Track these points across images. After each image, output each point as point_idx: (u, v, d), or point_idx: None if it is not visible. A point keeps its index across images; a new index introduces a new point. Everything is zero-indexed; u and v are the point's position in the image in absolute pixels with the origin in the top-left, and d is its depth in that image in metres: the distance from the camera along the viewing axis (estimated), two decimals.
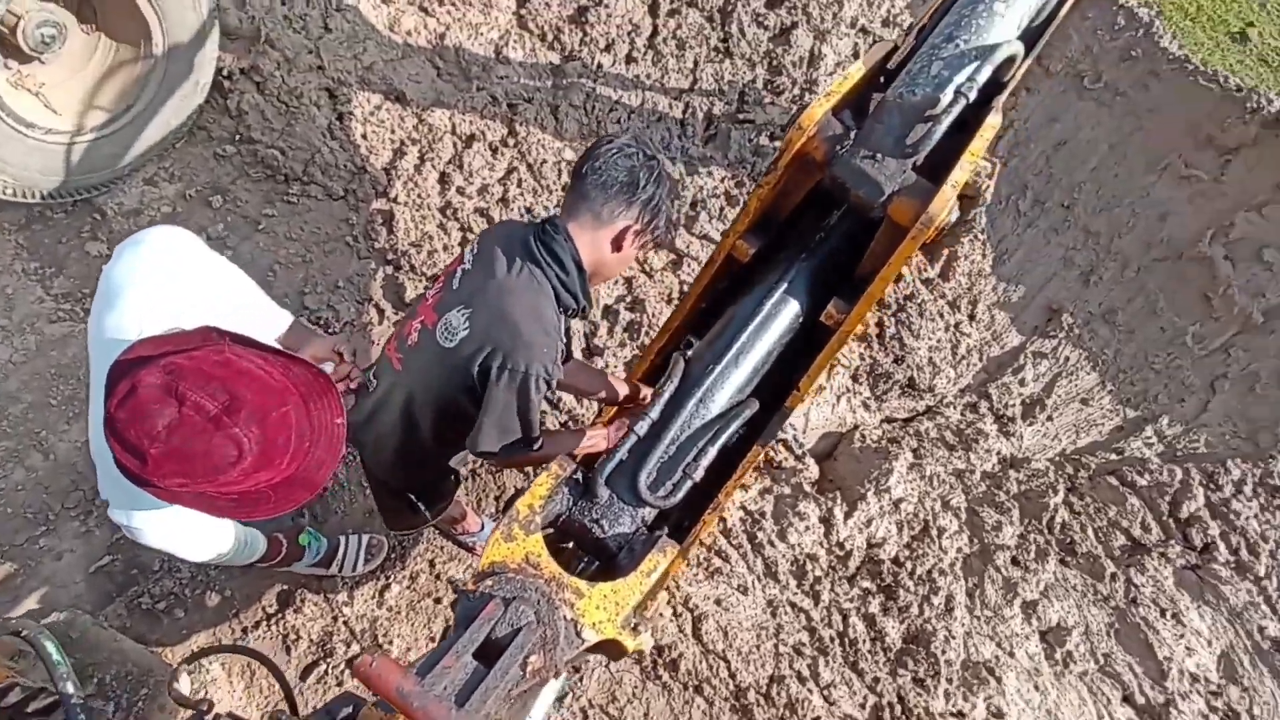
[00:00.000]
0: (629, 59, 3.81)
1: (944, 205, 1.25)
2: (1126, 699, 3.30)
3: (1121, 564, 3.69)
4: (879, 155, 1.29)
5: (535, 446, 1.54)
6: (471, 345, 1.46)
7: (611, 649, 1.22)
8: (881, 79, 1.47)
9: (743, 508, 2.99)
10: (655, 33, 3.94)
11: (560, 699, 1.91)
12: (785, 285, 1.48)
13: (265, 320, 1.49)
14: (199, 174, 2.64)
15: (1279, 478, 3.97)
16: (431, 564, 2.29)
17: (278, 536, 1.76)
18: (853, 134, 1.32)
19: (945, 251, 4.30)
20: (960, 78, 1.29)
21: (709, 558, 2.57)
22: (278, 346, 1.13)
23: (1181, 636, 3.46)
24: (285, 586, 2.19)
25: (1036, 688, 3.18)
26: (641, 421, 1.36)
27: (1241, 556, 3.69)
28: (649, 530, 1.33)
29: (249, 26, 2.80)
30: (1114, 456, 4.19)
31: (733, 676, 2.30)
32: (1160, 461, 4.11)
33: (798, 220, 1.59)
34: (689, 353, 1.49)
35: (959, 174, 1.29)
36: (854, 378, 3.85)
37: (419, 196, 2.95)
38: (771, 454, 3.30)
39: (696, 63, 3.99)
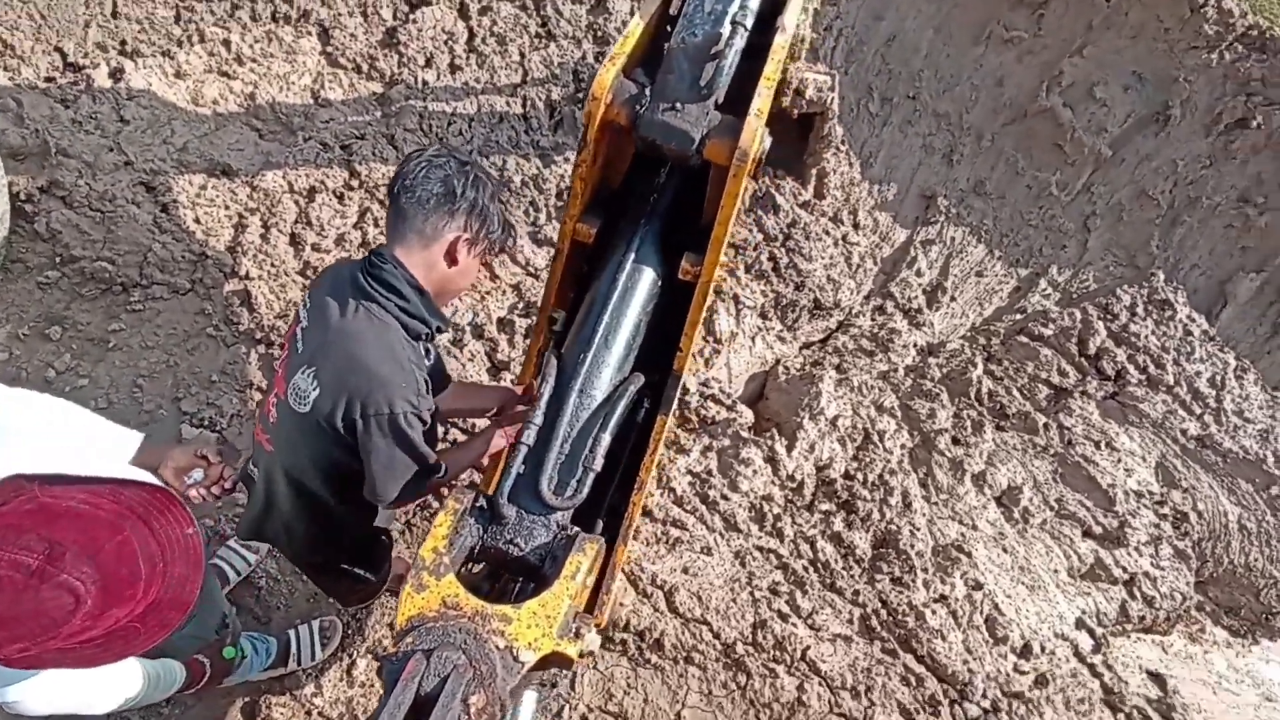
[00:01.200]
0: (453, 68, 3.72)
1: (753, 135, 1.25)
2: (1086, 533, 3.48)
3: (1050, 413, 3.87)
4: (679, 104, 1.29)
5: (439, 473, 1.51)
6: (326, 403, 1.41)
7: (558, 660, 1.20)
8: (668, 28, 1.45)
9: (689, 473, 3.01)
10: (472, 35, 3.85)
11: (558, 713, 1.89)
12: (634, 255, 1.46)
13: (109, 448, 1.39)
14: (26, 309, 2.45)
15: (1163, 291, 4.22)
16: (392, 627, 2.23)
17: (196, 659, 1.66)
18: (648, 90, 1.31)
19: (813, 172, 4.38)
20: (733, 8, 1.29)
21: (665, 531, 2.58)
22: (104, 474, 1.06)
23: (1118, 461, 3.66)
24: (247, 699, 2.09)
25: (1005, 549, 3.32)
26: (528, 430, 1.33)
27: (1150, 373, 3.92)
28: (568, 532, 1.31)
29: (35, 142, 2.60)
30: (1018, 316, 4.38)
31: (717, 636, 2.32)
32: (1059, 308, 4.32)
33: (633, 187, 1.58)
34: (560, 351, 1.46)
35: (760, 101, 1.29)
36: (763, 315, 3.90)
37: (273, 266, 2.82)
38: (703, 412, 3.32)
39: (522, 54, 3.92)
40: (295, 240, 2.97)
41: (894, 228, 4.46)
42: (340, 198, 3.15)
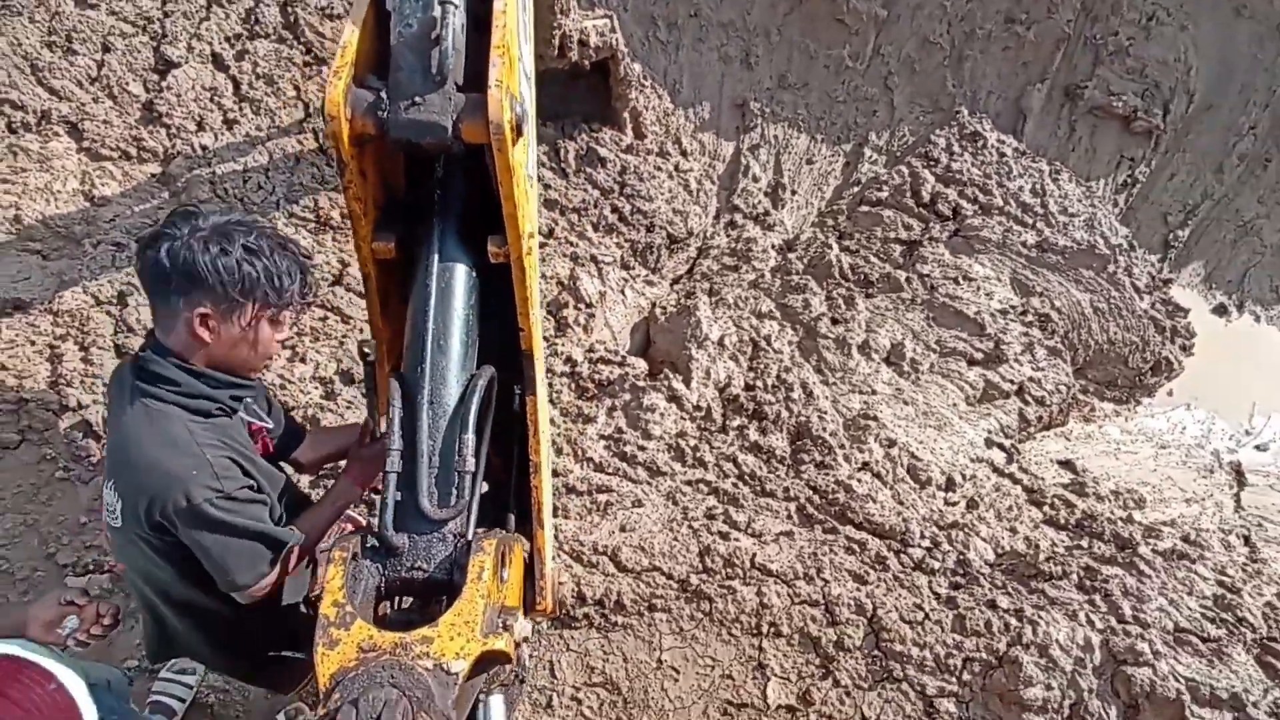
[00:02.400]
0: (228, 123, 3.52)
1: (499, 105, 1.26)
2: (970, 362, 3.76)
3: (908, 266, 4.12)
4: (418, 98, 1.27)
5: (290, 541, 1.52)
6: (129, 513, 1.40)
7: (495, 658, 1.23)
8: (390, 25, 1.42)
9: (600, 438, 3.05)
10: (237, 85, 3.64)
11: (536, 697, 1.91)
12: (438, 255, 1.45)
13: None
14: None
15: (970, 124, 4.52)
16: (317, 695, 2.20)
17: None
18: (383, 93, 1.29)
19: (626, 115, 4.41)
20: None
21: (594, 500, 2.62)
22: None
23: (978, 289, 3.95)
24: None
25: (906, 402, 3.55)
26: (390, 456, 1.32)
27: (981, 201, 4.22)
28: (466, 539, 1.32)
29: None
30: (855, 189, 4.61)
31: (670, 577, 2.40)
32: (887, 169, 4.57)
33: (419, 189, 1.56)
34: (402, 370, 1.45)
35: (496, 71, 1.29)
36: (624, 266, 3.94)
37: (105, 386, 2.64)
38: (597, 376, 3.36)
39: (296, 87, 3.74)
40: (121, 351, 2.78)
41: (719, 143, 4.57)
42: None
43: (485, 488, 2.07)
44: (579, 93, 4.27)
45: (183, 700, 2.14)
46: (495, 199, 1.43)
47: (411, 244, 1.52)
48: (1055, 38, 4.58)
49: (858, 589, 2.45)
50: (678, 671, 2.28)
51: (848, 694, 2.26)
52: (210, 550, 1.42)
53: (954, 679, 2.31)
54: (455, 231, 1.49)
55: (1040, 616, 2.41)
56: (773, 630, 2.34)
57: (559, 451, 2.90)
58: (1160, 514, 3.53)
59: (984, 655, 2.35)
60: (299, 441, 1.78)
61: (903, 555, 2.67)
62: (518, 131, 1.30)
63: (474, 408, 1.38)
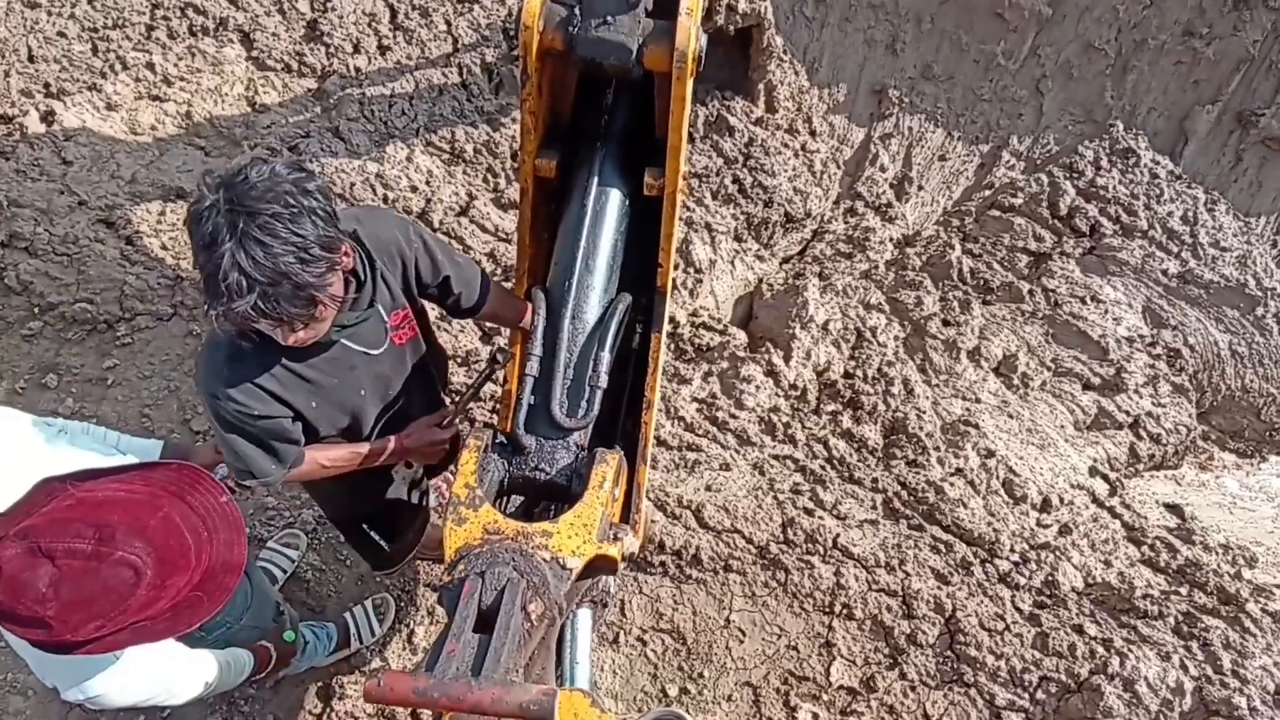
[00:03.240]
0: (382, 49, 3.68)
1: (688, 35, 1.28)
2: (1086, 385, 3.59)
3: (1033, 278, 3.95)
4: (610, 18, 1.31)
5: (274, 474, 1.53)
6: None
7: (603, 565, 1.28)
8: None
9: (693, 400, 3.08)
10: (394, 13, 3.80)
11: (614, 638, 1.98)
12: (597, 178, 1.50)
13: (133, 457, 1.45)
14: (18, 363, 2.48)
15: (1124, 140, 4.27)
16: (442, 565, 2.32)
17: (261, 645, 1.75)
18: (578, 9, 1.33)
19: (760, 87, 4.38)
20: None
21: (683, 456, 2.66)
22: (126, 463, 1.12)
23: (1105, 312, 3.76)
24: (320, 683, 2.19)
25: (1010, 415, 3.43)
26: (530, 361, 1.38)
27: (1124, 221, 3.99)
28: (589, 450, 1.38)
29: None
30: (987, 192, 4.43)
31: (750, 542, 2.42)
32: (1025, 176, 4.37)
33: (585, 114, 1.60)
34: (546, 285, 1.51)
35: (687, 0, 1.31)
36: (737, 238, 3.94)
37: None
38: (697, 341, 3.38)
39: (448, 22, 3.88)
40: None
41: (850, 128, 4.47)
42: None
43: None
44: (717, 59, 4.25)
45: (284, 571, 2.31)
46: (654, 136, 1.46)
47: (571, 167, 1.58)
48: (1237, 58, 4.24)
49: (939, 588, 2.41)
50: (744, 634, 2.30)
51: (913, 688, 2.23)
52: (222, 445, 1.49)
53: (1027, 695, 2.25)
54: (616, 158, 1.54)
55: (1130, 651, 2.31)
56: (845, 612, 2.33)
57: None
58: (1272, 578, 3.30)
59: (1062, 677, 2.28)
60: (479, 301, 1.67)
61: (989, 565, 2.61)
62: (698, 64, 1.32)
63: (613, 328, 1.43)
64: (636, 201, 1.57)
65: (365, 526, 1.89)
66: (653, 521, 2.26)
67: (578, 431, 1.38)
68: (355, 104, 3.48)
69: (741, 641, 2.28)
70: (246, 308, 1.23)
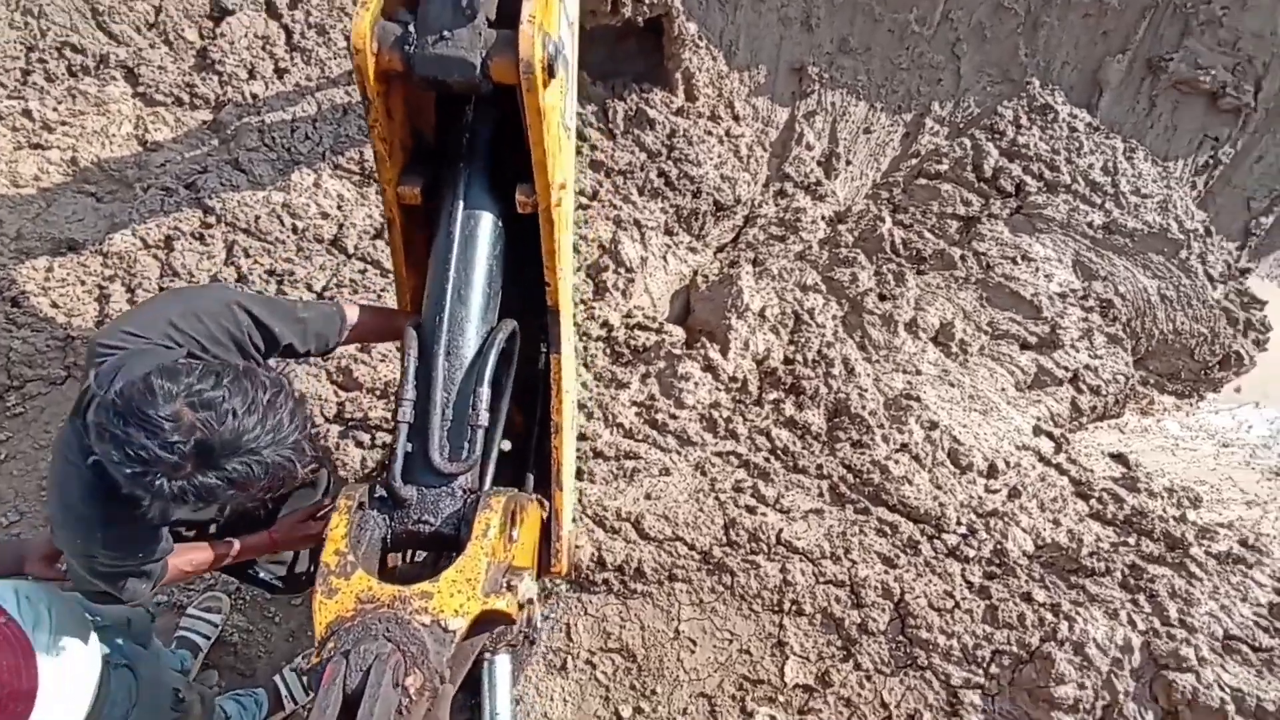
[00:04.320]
0: (278, 72, 3.50)
1: (531, 43, 1.18)
2: (1023, 346, 3.57)
3: (964, 243, 3.91)
4: (447, 32, 1.20)
5: (147, 585, 1.39)
6: None
7: (495, 618, 1.19)
8: None
9: (632, 404, 2.99)
10: (289, 33, 3.62)
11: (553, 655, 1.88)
12: (463, 202, 1.39)
13: None
14: None
15: (1041, 96, 4.24)
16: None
17: None
18: (412, 26, 1.22)
19: (678, 76, 4.26)
20: None
21: (620, 466, 2.57)
22: None
23: (1036, 270, 3.73)
24: None
25: (951, 384, 3.39)
26: (403, 407, 1.28)
27: (1047, 178, 3.97)
28: (475, 495, 1.28)
29: None
30: (913, 162, 4.38)
31: (693, 548, 2.35)
32: (949, 141, 4.33)
33: (448, 134, 1.49)
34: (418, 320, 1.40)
35: (530, 6, 1.21)
36: (668, 232, 3.84)
37: None
38: (633, 342, 3.29)
39: (348, 37, 3.69)
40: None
41: (774, 109, 4.39)
42: (200, 239, 2.99)
43: (507, 446, 2.03)
44: (630, 51, 4.14)
45: (208, 638, 2.18)
46: (528, 146, 1.35)
47: (440, 191, 1.47)
48: (1141, 5, 4.24)
49: (886, 572, 2.35)
50: (695, 643, 2.23)
51: (868, 678, 2.18)
52: None
53: (981, 671, 2.21)
54: (483, 178, 1.43)
55: (1078, 613, 2.28)
56: (794, 608, 2.27)
57: (589, 416, 2.85)
58: (1217, 515, 3.31)
59: (1015, 649, 2.24)
60: (338, 340, 1.56)
61: (936, 541, 2.56)
62: (550, 72, 1.22)
63: (491, 361, 1.33)
64: (514, 221, 1.46)
65: (251, 570, 1.78)
66: (577, 547, 2.17)
67: (463, 475, 1.28)
68: (254, 132, 3.31)
69: (693, 651, 2.20)
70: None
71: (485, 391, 1.31)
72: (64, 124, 3.07)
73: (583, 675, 2.17)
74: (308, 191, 3.21)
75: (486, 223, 1.41)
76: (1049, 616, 2.28)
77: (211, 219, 3.02)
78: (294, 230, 3.09)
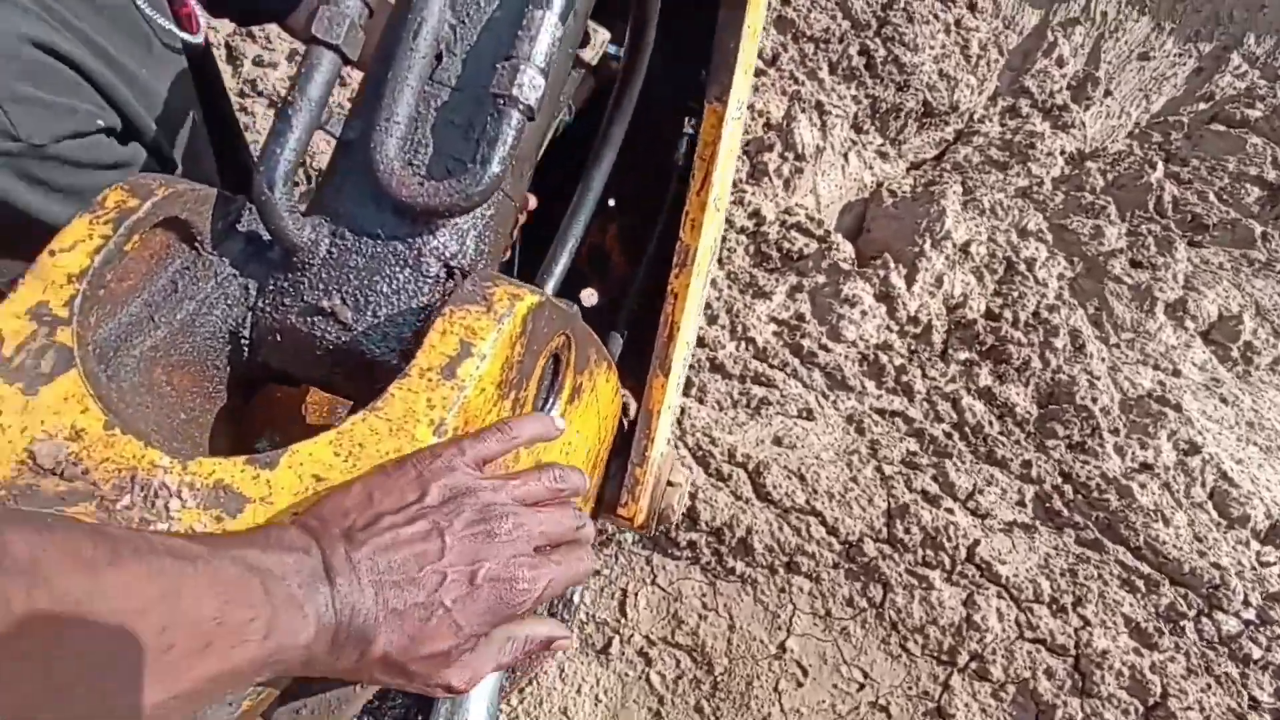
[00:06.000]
0: None
1: None
2: None
3: (1267, 217, 2.75)
4: None
5: None
6: None
7: None
8: None
9: (772, 320, 2.13)
10: None
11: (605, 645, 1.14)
12: None
13: None
14: None
15: None
16: None
17: None
18: None
19: None
20: None
21: (745, 390, 1.74)
22: None
23: None
24: None
25: (1224, 399, 2.31)
26: (329, 20, 0.49)
27: None
28: (468, 276, 0.49)
29: None
30: (1204, 105, 3.17)
31: (833, 532, 1.51)
32: (1267, 82, 3.09)
33: None
34: None
35: None
36: (856, 127, 2.88)
37: None
38: (786, 245, 2.40)
39: None
40: (232, 55, 2.18)
41: (1022, 6, 3.28)
42: None
43: (592, 298, 1.23)
44: None
45: None
46: None
47: None
48: None
49: (1137, 653, 1.43)
50: (805, 672, 1.40)
51: None
52: None
53: None
54: None
55: None
56: (976, 665, 1.40)
57: (712, 319, 2.01)
58: None
59: None
60: None
61: (1205, 620, 1.59)
62: None
63: None
64: None
65: None
66: (671, 484, 1.35)
67: (447, 221, 0.49)
68: None
69: (800, 683, 1.38)
70: None
71: (547, 21, 0.48)
72: None
73: (630, 670, 1.40)
74: None
75: None
76: None
77: None
78: None
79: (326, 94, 0.46)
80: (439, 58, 0.49)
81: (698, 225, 0.86)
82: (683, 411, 1.61)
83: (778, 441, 1.63)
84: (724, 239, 2.36)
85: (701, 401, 1.69)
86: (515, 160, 0.48)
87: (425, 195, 0.46)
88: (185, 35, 0.78)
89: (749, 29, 0.74)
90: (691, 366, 1.73)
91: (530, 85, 0.46)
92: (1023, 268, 2.55)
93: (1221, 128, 2.93)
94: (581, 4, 0.55)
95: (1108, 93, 3.25)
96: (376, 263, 0.48)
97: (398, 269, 0.48)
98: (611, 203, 1.15)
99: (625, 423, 0.97)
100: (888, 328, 2.21)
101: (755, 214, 2.42)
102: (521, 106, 0.46)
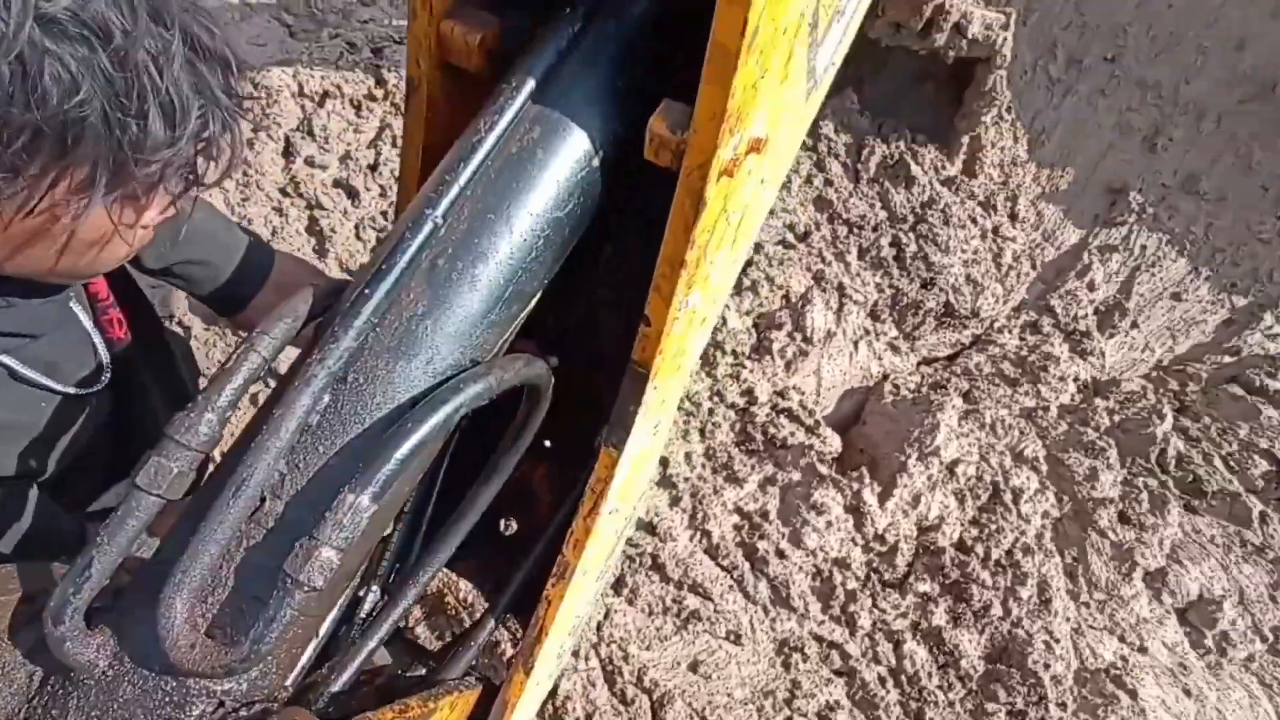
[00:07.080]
0: None
1: None
2: None
3: (1270, 497, 2.63)
4: None
5: None
6: None
7: None
8: None
9: (737, 510, 2.10)
10: None
11: None
12: (548, 80, 0.59)
13: None
14: None
15: None
16: None
17: None
18: None
19: (964, 140, 3.25)
20: None
21: (679, 599, 1.69)
22: None
23: None
24: None
25: (1187, 692, 2.17)
26: (173, 452, 0.49)
27: None
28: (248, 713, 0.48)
29: None
30: (1229, 359, 3.10)
31: None
32: None
33: None
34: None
35: None
36: (873, 315, 2.88)
37: (247, 176, 2.17)
38: (772, 431, 2.37)
39: None
40: (289, 149, 2.30)
41: (1063, 225, 3.28)
42: (358, 108, 2.44)
43: (511, 526, 1.23)
44: (918, 98, 3.21)
45: None
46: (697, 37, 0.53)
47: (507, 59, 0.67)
48: None
49: None
50: None
51: None
52: None
53: None
54: (609, 52, 0.62)
55: None
56: None
57: (675, 499, 1.99)
58: None
59: None
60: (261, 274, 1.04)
61: None
62: None
63: (427, 428, 0.51)
64: (614, 158, 0.64)
65: None
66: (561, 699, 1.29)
67: (233, 674, 0.49)
68: None
69: None
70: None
71: (365, 502, 0.48)
72: None
73: None
74: None
75: (571, 141, 0.61)
76: None
77: (380, 92, 2.46)
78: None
79: (138, 534, 0.47)
80: (263, 500, 0.50)
81: (580, 545, 0.85)
82: (607, 614, 1.57)
83: (694, 667, 1.57)
84: (711, 410, 2.35)
85: (631, 603, 1.65)
86: (299, 624, 0.48)
87: (193, 661, 0.46)
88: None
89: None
90: (630, 559, 1.69)
91: (320, 569, 0.46)
92: (1008, 497, 2.47)
93: (1240, 391, 2.85)
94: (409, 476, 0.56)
95: (1134, 324, 3.20)
96: (144, 696, 0.48)
97: (163, 708, 0.48)
98: (547, 444, 1.16)
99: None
100: (852, 541, 2.15)
101: (749, 392, 2.41)
102: (305, 590, 0.46)
